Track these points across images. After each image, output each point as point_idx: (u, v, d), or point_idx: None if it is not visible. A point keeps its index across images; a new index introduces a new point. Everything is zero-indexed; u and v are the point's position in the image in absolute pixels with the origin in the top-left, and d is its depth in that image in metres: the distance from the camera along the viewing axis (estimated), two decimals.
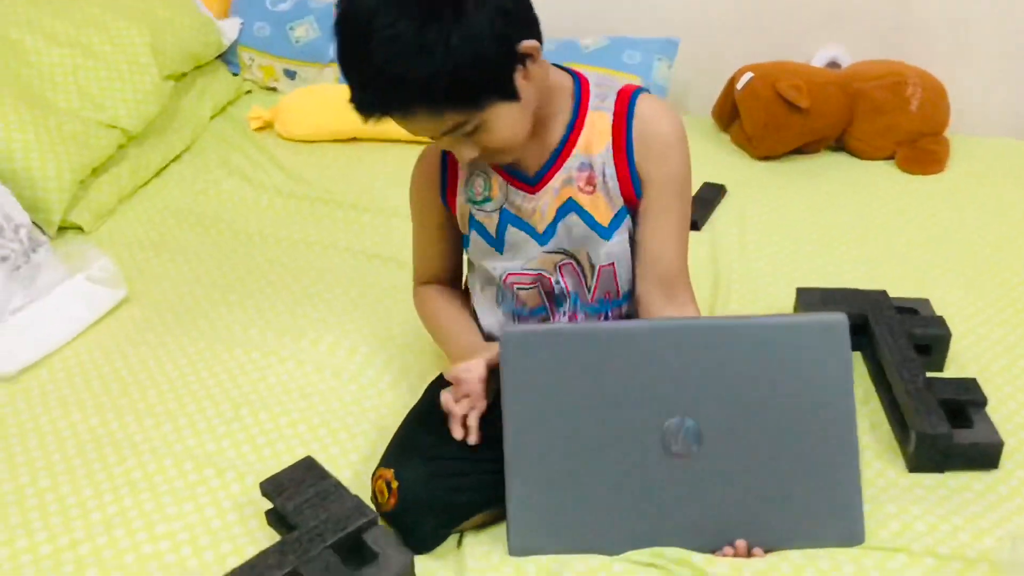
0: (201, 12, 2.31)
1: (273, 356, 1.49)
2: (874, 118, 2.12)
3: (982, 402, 1.30)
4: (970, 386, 1.32)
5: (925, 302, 1.52)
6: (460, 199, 1.24)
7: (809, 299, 1.52)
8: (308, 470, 1.16)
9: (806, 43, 2.27)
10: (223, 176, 2.06)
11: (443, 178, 1.24)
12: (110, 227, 1.88)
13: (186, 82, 2.24)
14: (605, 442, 1.07)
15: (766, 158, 2.16)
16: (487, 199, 1.22)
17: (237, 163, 2.11)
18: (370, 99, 1.03)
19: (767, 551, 1.09)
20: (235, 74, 2.44)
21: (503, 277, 1.25)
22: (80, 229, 1.85)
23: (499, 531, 1.15)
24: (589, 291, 1.25)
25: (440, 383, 1.27)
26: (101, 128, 1.93)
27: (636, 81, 2.08)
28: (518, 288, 1.25)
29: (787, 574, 1.07)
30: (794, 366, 1.08)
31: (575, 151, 1.17)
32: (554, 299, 1.26)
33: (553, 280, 1.24)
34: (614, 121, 1.16)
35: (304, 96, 2.23)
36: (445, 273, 1.35)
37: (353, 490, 1.14)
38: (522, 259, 1.23)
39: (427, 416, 1.22)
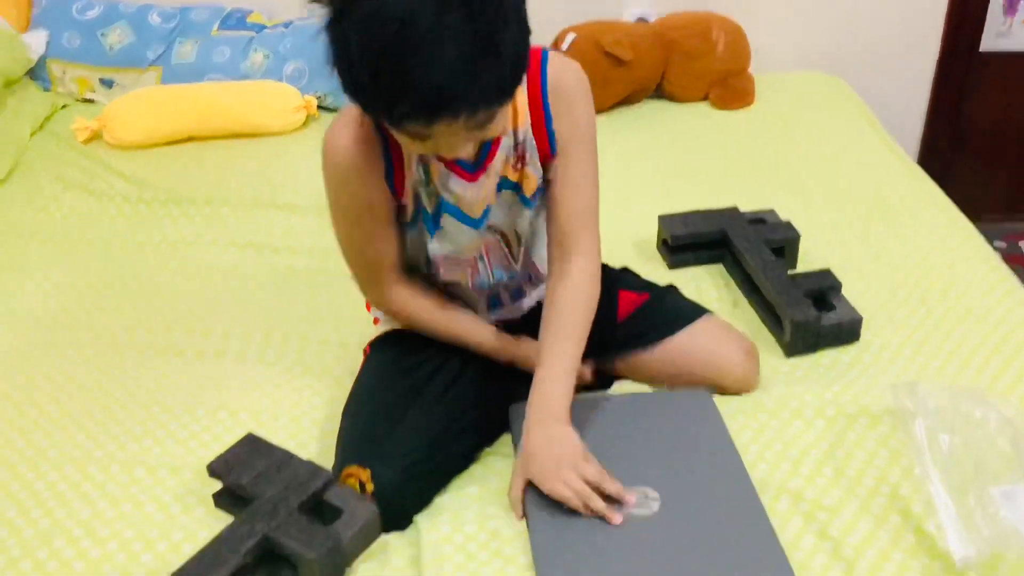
0: (3, 27, 2.18)
1: (174, 354, 1.46)
2: (686, 64, 2.30)
3: (838, 287, 1.48)
4: (825, 276, 1.50)
5: (771, 212, 1.70)
6: (409, 181, 1.14)
7: (671, 224, 1.65)
8: (253, 445, 1.17)
9: (615, 2, 2.42)
10: (60, 191, 1.96)
11: (388, 161, 1.13)
12: None
13: None
14: None
15: (596, 112, 2.29)
16: (428, 182, 1.15)
17: (73, 176, 2.01)
18: (419, 108, 0.92)
19: None
20: (46, 89, 2.31)
21: (433, 257, 1.22)
22: None
23: (449, 500, 1.16)
24: (515, 264, 1.27)
25: (377, 347, 1.28)
26: None
27: None
28: (445, 270, 1.24)
29: None
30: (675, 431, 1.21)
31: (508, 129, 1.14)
32: (478, 279, 1.26)
33: (479, 262, 1.23)
34: (529, 89, 1.13)
35: (132, 102, 2.15)
36: (401, 264, 1.22)
37: None
38: (453, 245, 1.20)
39: (382, 397, 1.22)
